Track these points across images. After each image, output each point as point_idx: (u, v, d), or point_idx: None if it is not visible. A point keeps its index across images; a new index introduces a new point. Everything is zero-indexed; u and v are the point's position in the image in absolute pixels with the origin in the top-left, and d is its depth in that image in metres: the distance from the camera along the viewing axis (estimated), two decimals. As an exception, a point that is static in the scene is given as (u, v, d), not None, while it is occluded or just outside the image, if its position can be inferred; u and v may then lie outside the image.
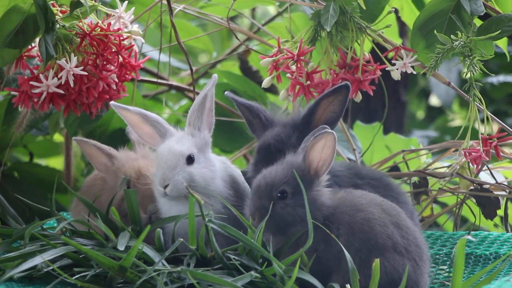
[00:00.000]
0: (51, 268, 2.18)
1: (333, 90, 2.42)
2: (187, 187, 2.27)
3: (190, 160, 2.35)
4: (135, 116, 2.40)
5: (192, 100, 3.43)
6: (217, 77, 2.43)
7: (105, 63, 2.56)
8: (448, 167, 2.98)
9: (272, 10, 4.36)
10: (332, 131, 2.22)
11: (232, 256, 2.19)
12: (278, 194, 2.24)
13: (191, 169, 2.34)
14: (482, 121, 2.52)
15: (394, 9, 2.62)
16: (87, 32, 2.54)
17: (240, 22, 5.50)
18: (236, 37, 3.14)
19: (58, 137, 3.78)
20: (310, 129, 2.43)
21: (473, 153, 2.46)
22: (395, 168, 3.28)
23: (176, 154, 2.33)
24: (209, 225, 2.20)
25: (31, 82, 2.51)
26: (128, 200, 2.34)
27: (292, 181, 2.24)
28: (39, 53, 2.52)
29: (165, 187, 2.31)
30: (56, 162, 4.08)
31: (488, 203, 2.82)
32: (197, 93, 3.46)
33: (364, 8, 2.55)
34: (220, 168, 2.41)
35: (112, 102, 2.40)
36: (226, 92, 2.50)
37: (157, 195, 2.37)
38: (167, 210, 2.37)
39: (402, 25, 3.50)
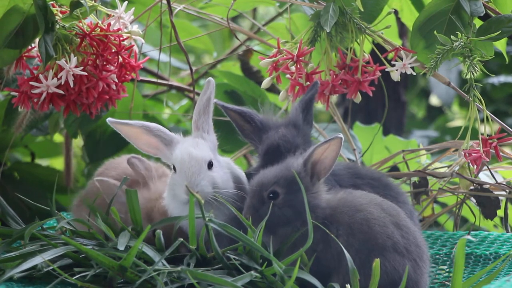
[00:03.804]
0: (51, 268, 2.18)
1: (315, 88, 2.47)
2: (188, 188, 2.27)
3: (210, 165, 2.36)
4: (137, 129, 2.40)
5: (192, 100, 3.43)
6: (214, 81, 2.43)
7: (105, 63, 2.55)
8: (448, 167, 2.98)
9: (273, 10, 4.36)
10: (340, 135, 2.23)
11: (232, 256, 2.19)
12: (270, 195, 2.25)
13: (212, 173, 2.35)
14: (482, 121, 2.52)
15: (393, 10, 2.62)
16: (87, 33, 2.53)
17: (243, 22, 5.50)
18: (236, 37, 3.14)
19: (58, 137, 3.78)
20: (308, 128, 2.45)
21: (473, 154, 2.47)
22: (395, 168, 3.28)
23: (198, 159, 2.34)
24: (210, 225, 2.21)
25: (30, 83, 2.51)
26: (129, 200, 2.34)
27: (283, 182, 2.25)
28: (39, 54, 2.52)
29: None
30: (56, 162, 4.08)
31: (488, 203, 2.82)
32: (197, 93, 3.47)
33: (362, 10, 2.55)
34: (227, 168, 2.42)
35: (109, 119, 2.40)
36: (215, 100, 2.50)
37: (177, 202, 2.37)
38: (179, 214, 2.37)
39: (401, 26, 3.50)
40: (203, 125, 2.41)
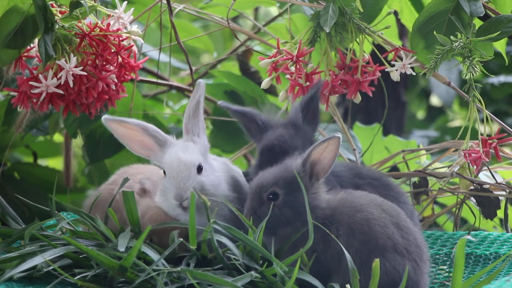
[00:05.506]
0: (51, 268, 2.18)
1: (317, 87, 2.46)
2: (196, 191, 2.27)
3: (199, 169, 2.36)
4: (134, 128, 2.40)
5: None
6: (204, 84, 2.43)
7: (104, 63, 2.55)
8: (448, 167, 2.98)
9: (274, 10, 4.37)
10: (338, 135, 2.22)
11: (232, 256, 2.19)
12: (270, 196, 2.25)
13: (201, 178, 2.35)
14: (482, 121, 2.52)
15: (393, 10, 2.62)
16: (87, 33, 2.53)
17: (243, 22, 5.50)
18: (236, 37, 3.14)
19: (58, 137, 3.78)
20: (309, 128, 2.45)
21: (473, 154, 2.46)
22: (395, 168, 3.28)
23: (187, 164, 2.34)
24: (214, 226, 2.20)
25: (30, 83, 2.51)
26: (126, 201, 2.33)
27: (283, 183, 2.25)
28: (38, 54, 2.52)
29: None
30: (56, 162, 4.08)
31: (488, 203, 2.82)
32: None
33: (362, 10, 2.55)
34: (222, 170, 2.42)
35: (105, 117, 2.40)
36: (219, 102, 2.50)
37: (170, 209, 2.37)
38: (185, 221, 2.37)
39: (401, 26, 3.50)
40: (193, 128, 2.41)
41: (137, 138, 2.41)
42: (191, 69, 3.16)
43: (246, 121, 2.49)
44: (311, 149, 2.25)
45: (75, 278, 2.14)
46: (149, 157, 2.43)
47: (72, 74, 2.49)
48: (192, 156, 2.35)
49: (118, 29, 2.57)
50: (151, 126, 2.42)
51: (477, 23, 2.55)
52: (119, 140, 2.42)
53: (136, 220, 2.34)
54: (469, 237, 2.13)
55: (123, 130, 2.41)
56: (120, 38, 2.57)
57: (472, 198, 2.88)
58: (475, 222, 2.89)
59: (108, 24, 2.56)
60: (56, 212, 2.43)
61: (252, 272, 2.11)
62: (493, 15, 2.58)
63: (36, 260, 2.17)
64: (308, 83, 2.55)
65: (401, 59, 2.54)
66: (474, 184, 2.86)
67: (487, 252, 2.64)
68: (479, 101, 2.50)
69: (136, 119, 2.42)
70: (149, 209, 2.42)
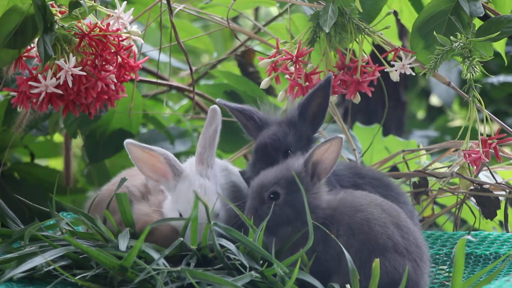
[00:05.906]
0: (51, 268, 2.18)
1: (321, 85, 2.43)
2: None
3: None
4: (158, 156, 2.33)
5: (192, 100, 3.43)
6: (220, 112, 2.37)
7: (104, 63, 2.55)
8: (448, 167, 2.98)
9: (274, 10, 4.37)
10: (341, 136, 2.22)
11: (232, 256, 2.19)
12: (271, 195, 2.25)
13: (216, 211, 2.33)
14: (482, 121, 2.52)
15: (392, 10, 2.62)
16: (86, 33, 2.53)
17: (243, 22, 5.50)
18: (236, 37, 3.14)
19: (58, 137, 3.78)
20: (306, 126, 2.44)
21: (473, 154, 2.46)
22: (394, 168, 3.28)
23: (205, 213, 2.26)
24: (214, 227, 2.21)
25: (29, 83, 2.51)
26: (120, 203, 2.33)
27: (284, 182, 2.25)
28: (38, 54, 2.52)
29: None
30: (56, 163, 4.08)
31: (488, 203, 2.82)
32: (197, 94, 3.48)
33: (361, 10, 2.55)
34: (223, 178, 2.42)
35: (129, 141, 2.34)
36: (217, 100, 2.49)
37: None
38: None
39: (401, 27, 3.50)
40: (208, 159, 2.35)
41: (154, 164, 2.35)
42: (191, 69, 3.17)
43: (244, 118, 2.48)
44: (313, 149, 2.25)
45: (76, 278, 2.14)
46: (157, 181, 2.37)
47: (72, 74, 2.49)
48: (216, 206, 2.32)
49: (117, 29, 2.57)
50: (171, 155, 2.35)
51: (477, 23, 2.56)
52: (132, 162, 2.36)
53: (131, 221, 2.34)
54: (469, 237, 2.13)
55: (143, 155, 2.35)
56: (120, 38, 2.57)
57: (472, 198, 2.88)
58: (475, 222, 2.89)
59: (108, 24, 2.56)
60: (56, 212, 2.43)
61: (252, 272, 2.11)
62: (492, 15, 2.58)
63: (37, 261, 2.17)
64: (307, 83, 2.55)
65: (401, 59, 2.54)
66: (474, 184, 2.86)
67: (487, 252, 2.64)
68: (479, 101, 2.50)
69: (159, 148, 2.36)
70: (141, 216, 2.41)
